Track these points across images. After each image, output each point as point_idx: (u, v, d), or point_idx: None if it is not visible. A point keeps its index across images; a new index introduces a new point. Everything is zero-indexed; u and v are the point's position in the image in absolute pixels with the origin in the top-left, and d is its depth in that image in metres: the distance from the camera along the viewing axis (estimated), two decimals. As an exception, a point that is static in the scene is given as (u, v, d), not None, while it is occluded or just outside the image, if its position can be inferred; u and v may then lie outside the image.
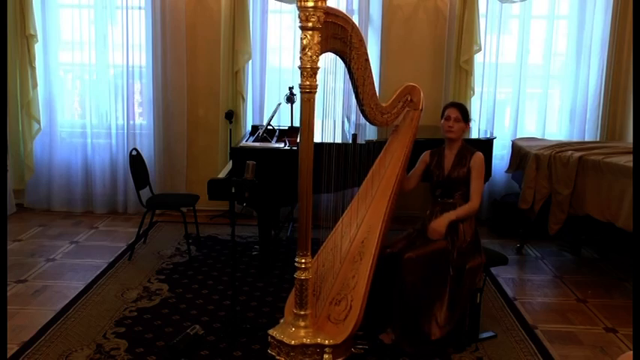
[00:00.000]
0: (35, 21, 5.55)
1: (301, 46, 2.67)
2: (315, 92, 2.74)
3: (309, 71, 2.70)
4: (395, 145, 3.64)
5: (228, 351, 3.34)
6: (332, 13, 2.77)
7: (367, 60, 3.05)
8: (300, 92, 2.74)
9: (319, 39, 2.69)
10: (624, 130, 5.73)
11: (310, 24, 2.65)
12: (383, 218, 3.29)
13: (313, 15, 2.63)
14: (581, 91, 5.73)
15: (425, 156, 3.67)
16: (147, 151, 5.69)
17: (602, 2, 5.55)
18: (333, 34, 2.84)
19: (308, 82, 2.72)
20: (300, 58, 2.69)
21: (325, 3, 2.66)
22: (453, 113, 3.48)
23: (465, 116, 3.52)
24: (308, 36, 2.67)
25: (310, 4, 2.63)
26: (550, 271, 4.74)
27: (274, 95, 5.71)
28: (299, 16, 2.67)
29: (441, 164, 3.55)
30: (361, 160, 3.72)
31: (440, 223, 3.39)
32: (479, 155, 3.50)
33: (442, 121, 3.53)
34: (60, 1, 5.79)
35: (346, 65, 3.02)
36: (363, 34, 5.57)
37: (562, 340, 3.61)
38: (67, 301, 3.92)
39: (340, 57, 2.98)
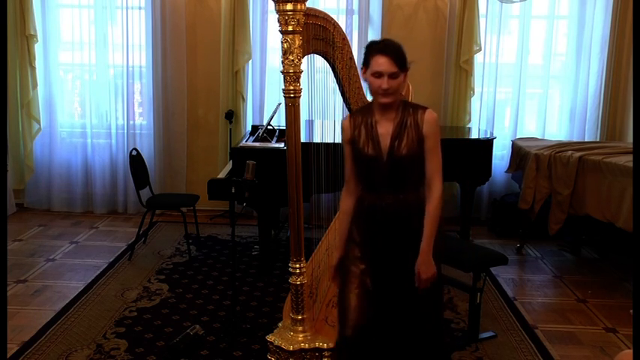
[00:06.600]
0: (35, 21, 5.54)
1: (282, 50, 2.64)
2: (300, 97, 2.70)
3: (292, 75, 2.65)
4: None
5: (228, 351, 3.35)
6: (312, 14, 2.71)
7: (352, 58, 3.02)
8: (284, 97, 2.68)
9: (300, 42, 2.66)
10: (624, 130, 5.72)
11: (290, 27, 2.61)
12: None
13: (293, 18, 2.59)
14: (581, 91, 5.73)
15: (345, 131, 2.49)
16: (147, 151, 5.68)
17: (602, 2, 5.55)
18: (315, 35, 2.79)
19: (292, 87, 2.66)
20: (282, 62, 2.66)
21: (304, 5, 2.63)
22: (385, 65, 2.30)
23: (401, 63, 2.33)
24: (289, 40, 2.62)
25: (289, 7, 2.58)
26: (550, 271, 4.74)
27: (274, 95, 5.70)
28: (278, 20, 2.63)
29: (374, 136, 2.43)
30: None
31: (428, 267, 2.41)
32: (431, 115, 2.39)
33: (365, 73, 2.41)
34: (60, 1, 5.78)
35: (330, 65, 2.99)
36: (360, 33, 5.67)
37: (562, 340, 3.61)
38: (67, 301, 3.93)
39: (324, 58, 2.94)
